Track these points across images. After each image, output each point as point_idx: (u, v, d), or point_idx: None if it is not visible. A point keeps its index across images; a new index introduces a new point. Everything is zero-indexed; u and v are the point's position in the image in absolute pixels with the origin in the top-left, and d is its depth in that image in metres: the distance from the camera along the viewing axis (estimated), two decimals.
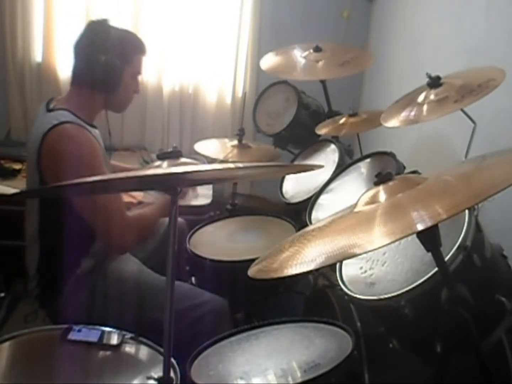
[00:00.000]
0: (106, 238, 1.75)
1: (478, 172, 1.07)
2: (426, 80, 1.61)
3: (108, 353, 1.31)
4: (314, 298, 1.95)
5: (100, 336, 1.35)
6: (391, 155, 1.89)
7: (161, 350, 1.18)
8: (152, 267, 1.86)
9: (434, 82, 1.59)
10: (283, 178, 2.31)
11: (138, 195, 2.20)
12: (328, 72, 2.36)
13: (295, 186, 2.25)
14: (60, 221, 1.69)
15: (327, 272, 1.84)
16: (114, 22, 1.86)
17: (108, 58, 1.76)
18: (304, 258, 0.97)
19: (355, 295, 1.29)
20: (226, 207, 2.58)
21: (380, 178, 1.10)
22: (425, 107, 1.56)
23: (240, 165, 1.18)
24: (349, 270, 1.40)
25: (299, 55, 2.46)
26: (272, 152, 2.54)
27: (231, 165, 1.19)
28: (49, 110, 1.76)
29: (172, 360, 1.16)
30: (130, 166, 2.33)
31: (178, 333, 1.14)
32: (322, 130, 2.20)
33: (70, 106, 1.77)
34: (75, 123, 1.72)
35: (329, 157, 2.22)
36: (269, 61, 2.50)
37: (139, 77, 1.92)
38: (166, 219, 1.18)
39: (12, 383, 1.20)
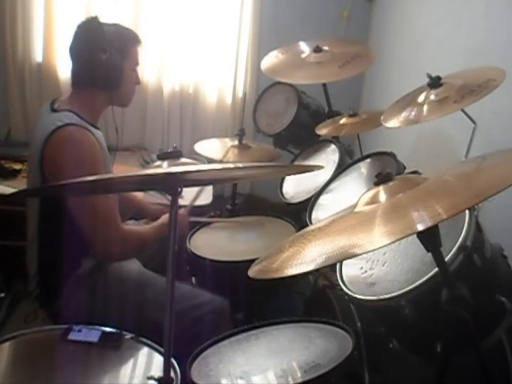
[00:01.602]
0: (90, 244, 1.73)
1: (478, 172, 1.07)
2: (426, 80, 1.61)
3: (108, 353, 1.31)
4: (314, 298, 1.95)
5: (100, 336, 1.35)
6: (391, 155, 1.89)
7: (161, 350, 1.18)
8: (153, 267, 1.86)
9: (434, 82, 1.59)
10: (283, 178, 2.31)
11: (138, 195, 2.20)
12: (329, 76, 2.36)
13: (295, 186, 2.25)
14: (60, 221, 1.69)
15: (327, 272, 1.84)
16: (109, 20, 1.86)
17: (107, 56, 1.76)
18: (304, 258, 0.97)
19: (355, 295, 1.29)
20: (226, 207, 2.58)
21: (380, 178, 1.10)
22: (425, 107, 1.55)
23: (240, 165, 1.18)
24: (349, 270, 1.40)
25: (299, 57, 2.46)
26: (272, 152, 2.54)
27: (231, 165, 1.19)
28: (53, 111, 1.76)
29: (172, 360, 1.16)
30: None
31: (178, 333, 1.14)
32: (322, 130, 2.20)
33: (74, 107, 1.77)
34: (79, 125, 1.72)
35: (329, 157, 2.22)
36: (269, 63, 2.50)
37: (138, 68, 1.92)
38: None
39: (12, 383, 1.20)
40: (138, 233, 1.83)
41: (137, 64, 1.90)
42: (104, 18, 1.84)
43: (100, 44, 1.77)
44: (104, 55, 1.76)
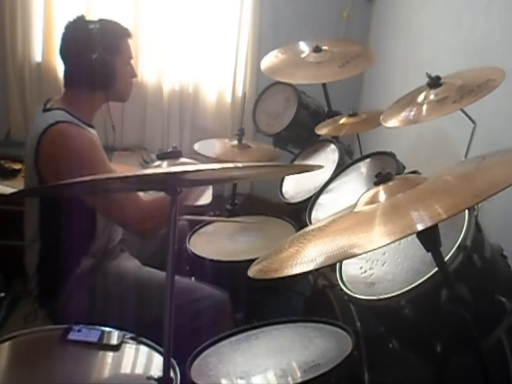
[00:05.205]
0: (125, 226, 1.75)
1: (478, 172, 1.07)
2: (426, 80, 1.61)
3: (108, 353, 1.31)
4: (314, 298, 1.95)
5: (100, 336, 1.35)
6: (391, 155, 1.89)
7: (161, 350, 1.18)
8: (153, 267, 1.85)
9: (434, 82, 1.59)
10: (283, 178, 2.31)
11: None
12: (329, 75, 2.36)
13: (295, 186, 2.25)
14: (60, 221, 1.68)
15: (327, 272, 1.84)
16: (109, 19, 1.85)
17: (97, 56, 1.75)
18: (304, 258, 0.97)
19: (355, 295, 1.29)
20: (226, 207, 2.58)
21: (380, 178, 1.10)
22: (424, 107, 1.55)
23: (240, 165, 1.18)
24: (349, 270, 1.40)
25: (299, 57, 2.46)
26: (272, 152, 2.54)
27: (231, 165, 1.19)
28: (46, 110, 1.76)
29: (172, 360, 1.16)
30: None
31: (179, 328, 1.14)
32: (322, 130, 2.20)
33: (66, 106, 1.76)
34: (71, 122, 1.71)
35: (329, 157, 2.22)
36: (269, 63, 2.50)
37: (132, 61, 1.90)
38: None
39: (12, 383, 1.20)
40: (155, 200, 1.76)
41: (130, 57, 1.88)
42: (104, 18, 1.84)
43: (88, 44, 1.75)
44: (94, 55, 1.74)
